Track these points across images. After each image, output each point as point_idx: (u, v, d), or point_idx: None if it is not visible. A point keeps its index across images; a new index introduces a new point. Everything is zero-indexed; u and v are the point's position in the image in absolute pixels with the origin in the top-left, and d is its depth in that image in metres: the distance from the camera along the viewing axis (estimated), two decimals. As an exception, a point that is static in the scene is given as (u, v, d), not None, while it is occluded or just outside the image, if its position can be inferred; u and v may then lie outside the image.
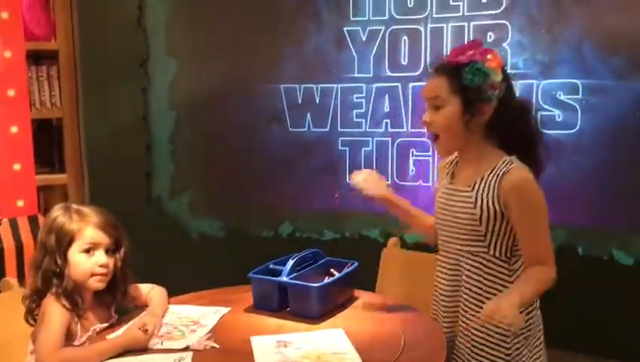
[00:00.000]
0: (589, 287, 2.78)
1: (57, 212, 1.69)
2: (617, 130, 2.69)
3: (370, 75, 3.06)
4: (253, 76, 3.24)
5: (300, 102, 3.19)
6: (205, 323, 1.76)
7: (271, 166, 3.30)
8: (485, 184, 1.56)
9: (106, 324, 1.74)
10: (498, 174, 1.54)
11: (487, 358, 1.64)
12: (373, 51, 3.04)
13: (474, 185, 1.58)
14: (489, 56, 1.56)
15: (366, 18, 3.03)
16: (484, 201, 1.56)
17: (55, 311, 1.60)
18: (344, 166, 3.16)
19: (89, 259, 1.67)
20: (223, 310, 1.86)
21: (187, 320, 1.78)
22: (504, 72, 1.59)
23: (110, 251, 1.72)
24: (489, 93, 1.55)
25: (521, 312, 1.43)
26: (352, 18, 3.05)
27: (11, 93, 3.02)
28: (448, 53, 1.67)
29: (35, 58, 3.42)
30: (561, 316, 2.78)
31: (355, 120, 3.13)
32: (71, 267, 1.65)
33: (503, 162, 1.56)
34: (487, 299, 1.60)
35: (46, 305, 1.61)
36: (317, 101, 3.16)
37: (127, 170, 3.36)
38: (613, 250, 2.81)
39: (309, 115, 3.19)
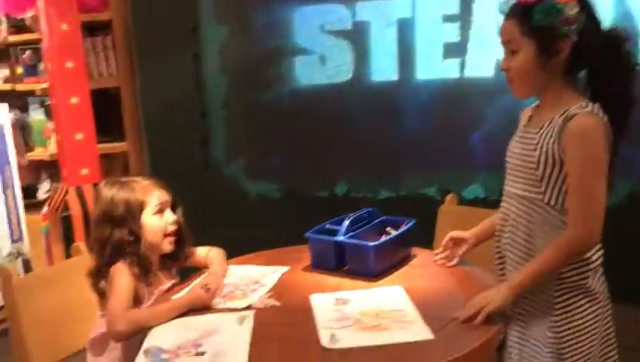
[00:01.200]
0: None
1: (111, 188, 1.76)
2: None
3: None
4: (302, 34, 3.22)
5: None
6: (265, 282, 1.80)
7: (325, 126, 3.29)
8: (551, 127, 1.45)
9: (168, 285, 1.80)
10: (567, 117, 1.42)
11: (537, 309, 1.53)
12: None
13: (541, 127, 1.48)
14: None
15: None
16: (546, 144, 1.45)
17: (124, 278, 1.66)
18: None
19: (161, 219, 1.75)
20: (282, 269, 1.90)
21: (248, 279, 1.83)
22: (585, 6, 1.43)
23: (174, 211, 1.80)
24: (564, 29, 1.41)
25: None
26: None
27: (69, 65, 3.11)
28: None
29: (90, 29, 3.50)
30: (632, 269, 2.71)
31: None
32: (146, 231, 1.72)
33: (578, 106, 1.42)
34: (536, 248, 1.50)
35: (114, 272, 1.68)
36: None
37: (183, 136, 3.43)
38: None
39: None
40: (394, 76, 3.12)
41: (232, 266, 1.95)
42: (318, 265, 1.90)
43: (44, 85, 3.47)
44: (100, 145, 3.43)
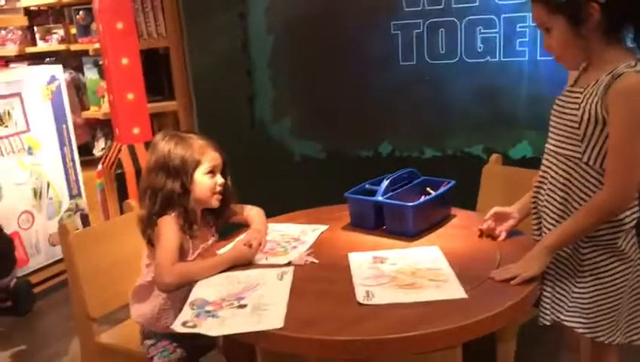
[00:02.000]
0: None
1: (169, 141, 1.83)
2: None
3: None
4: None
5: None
6: (305, 239, 1.86)
7: (369, 85, 3.28)
8: (597, 86, 1.44)
9: (211, 241, 1.88)
10: (613, 76, 1.40)
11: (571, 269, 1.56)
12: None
13: (587, 87, 1.47)
14: None
15: None
16: (589, 102, 1.44)
17: (171, 230, 1.75)
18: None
19: (212, 179, 1.83)
20: (322, 227, 1.95)
21: (288, 237, 1.89)
22: None
23: (222, 172, 1.87)
24: None
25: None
26: None
27: (120, 26, 3.18)
28: None
29: (140, -10, 3.56)
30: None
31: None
32: (197, 187, 1.81)
33: (627, 65, 1.40)
34: (573, 207, 1.52)
35: (162, 225, 1.76)
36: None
37: (230, 96, 3.48)
38: None
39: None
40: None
41: (272, 224, 2.02)
42: (358, 224, 1.94)
43: (97, 45, 3.58)
44: (151, 105, 3.54)
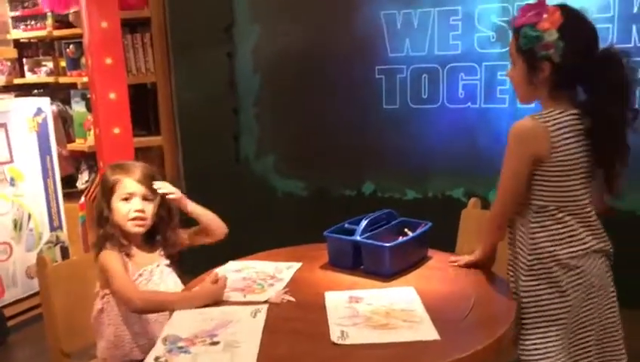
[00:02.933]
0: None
1: (107, 168, 1.95)
2: None
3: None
4: (332, 41, 3.27)
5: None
6: (281, 277, 1.86)
7: (353, 126, 3.34)
8: None
9: (159, 265, 1.91)
10: None
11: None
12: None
13: None
14: (544, 16, 1.56)
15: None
16: None
17: (111, 258, 1.79)
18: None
19: (126, 206, 1.86)
20: (296, 265, 1.96)
21: (263, 274, 1.90)
22: (564, 28, 1.55)
23: (149, 200, 1.89)
24: (542, 53, 1.57)
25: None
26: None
27: (109, 61, 3.23)
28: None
29: (131, 26, 3.62)
30: None
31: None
32: (114, 212, 1.86)
33: (541, 113, 1.61)
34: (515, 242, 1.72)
35: (102, 259, 1.80)
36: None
37: (216, 132, 3.53)
38: None
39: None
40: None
41: (248, 261, 2.03)
42: (336, 263, 1.95)
43: (86, 79, 3.61)
44: (137, 139, 3.56)
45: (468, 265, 1.88)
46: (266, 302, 1.69)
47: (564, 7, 1.58)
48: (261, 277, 1.88)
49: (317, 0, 3.27)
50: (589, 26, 1.59)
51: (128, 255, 1.86)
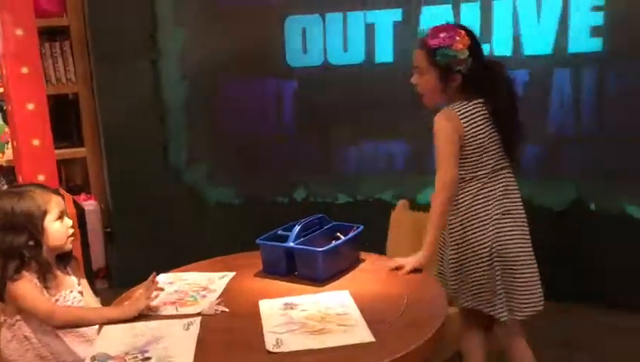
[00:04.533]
0: (602, 241, 2.80)
1: (10, 199, 1.78)
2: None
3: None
4: (261, 42, 3.26)
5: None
6: (214, 288, 1.83)
7: (285, 131, 3.33)
8: None
9: (76, 288, 1.85)
10: None
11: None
12: None
13: None
14: (457, 39, 1.92)
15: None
16: None
17: (29, 288, 1.71)
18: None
19: (63, 224, 1.81)
20: (229, 274, 1.93)
21: (196, 286, 1.86)
22: (471, 47, 1.93)
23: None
24: (457, 68, 1.94)
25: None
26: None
27: (25, 70, 3.07)
28: (428, 31, 2.01)
29: (50, 34, 3.48)
30: (575, 270, 2.82)
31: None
32: (50, 235, 1.77)
33: (453, 105, 1.97)
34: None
35: (17, 289, 1.71)
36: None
37: (143, 142, 3.43)
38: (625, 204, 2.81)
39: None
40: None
41: (180, 273, 1.98)
42: (270, 270, 1.94)
43: (1, 90, 3.44)
44: (58, 151, 3.41)
45: (415, 269, 1.87)
46: (199, 314, 1.66)
47: (467, 30, 1.97)
48: (193, 288, 1.84)
49: (243, 3, 3.24)
50: (480, 43, 2.00)
51: (47, 287, 1.76)
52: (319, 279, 1.83)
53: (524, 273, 1.98)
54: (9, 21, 3.02)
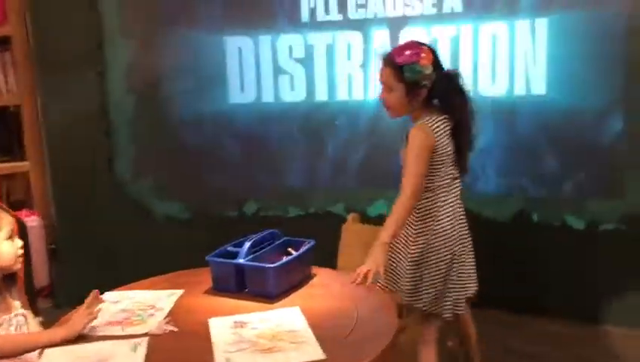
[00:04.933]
0: (545, 251, 2.89)
1: None
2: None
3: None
4: (209, 53, 3.24)
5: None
6: (162, 306, 1.79)
7: (232, 145, 3.31)
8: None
9: (20, 311, 1.77)
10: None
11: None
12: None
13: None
14: (423, 55, 2.06)
15: None
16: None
17: None
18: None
19: (13, 243, 1.74)
20: (178, 292, 1.90)
21: (143, 304, 1.81)
22: (434, 62, 2.07)
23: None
24: (423, 82, 2.07)
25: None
26: None
27: (-36, 82, 2.97)
28: (392, 49, 2.16)
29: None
30: (519, 279, 2.90)
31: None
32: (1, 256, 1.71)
33: (421, 120, 2.09)
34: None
35: None
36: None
37: (88, 155, 3.35)
38: (566, 215, 2.91)
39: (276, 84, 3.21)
40: (300, 97, 3.21)
41: (126, 291, 1.94)
42: (220, 287, 1.91)
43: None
44: (0, 165, 3.31)
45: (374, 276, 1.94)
46: (146, 334, 1.62)
47: (430, 47, 2.10)
48: (140, 307, 1.79)
49: (193, 16, 3.22)
50: (440, 58, 2.13)
51: None
52: (270, 296, 1.82)
53: (470, 271, 2.17)
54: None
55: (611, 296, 2.85)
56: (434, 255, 2.11)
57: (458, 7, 2.94)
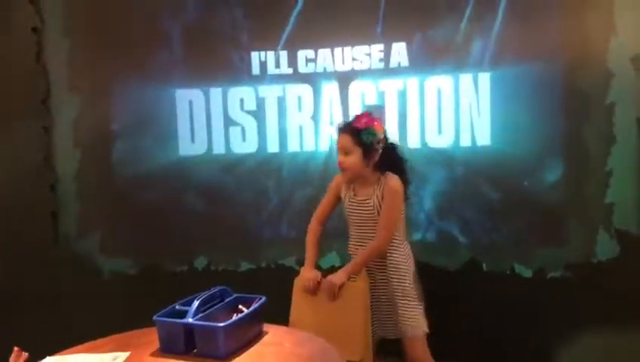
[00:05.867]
0: (493, 300, 2.92)
1: None
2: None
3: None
4: (159, 106, 3.23)
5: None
6: (106, 372, 1.72)
7: (182, 198, 3.26)
8: (376, 192, 2.47)
9: None
10: (383, 183, 2.46)
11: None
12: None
13: (372, 193, 2.48)
14: (375, 123, 2.43)
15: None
16: (377, 202, 2.46)
17: None
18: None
19: None
20: (123, 355, 1.83)
21: (86, 371, 1.73)
22: (384, 130, 2.47)
23: None
24: (378, 145, 2.43)
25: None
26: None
27: None
28: (351, 118, 2.52)
29: None
30: (470, 327, 2.91)
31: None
32: None
33: (385, 176, 2.47)
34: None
35: None
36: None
37: (31, 210, 3.25)
38: (514, 263, 2.96)
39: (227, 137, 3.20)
40: (252, 149, 3.21)
41: (68, 356, 1.85)
42: (168, 348, 1.85)
43: None
44: None
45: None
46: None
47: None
48: (82, 374, 1.72)
49: (143, 70, 3.20)
50: None
51: None
52: (220, 356, 1.77)
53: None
54: None
55: (562, 343, 2.89)
56: (409, 277, 2.48)
57: (405, 62, 3.03)
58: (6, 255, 3.26)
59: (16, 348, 1.60)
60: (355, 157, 2.42)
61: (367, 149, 2.41)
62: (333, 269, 2.98)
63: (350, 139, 2.42)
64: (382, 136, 2.44)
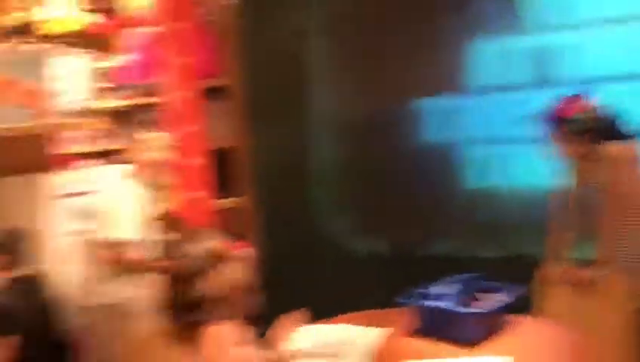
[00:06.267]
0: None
1: None
2: None
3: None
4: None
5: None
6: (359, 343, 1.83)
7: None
8: None
9: None
10: None
11: None
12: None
13: None
14: None
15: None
16: None
17: None
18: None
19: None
20: (374, 331, 1.93)
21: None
22: None
23: None
24: None
25: None
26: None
27: (190, 129, 3.32)
28: None
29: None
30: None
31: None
32: None
33: None
34: None
35: None
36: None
37: (293, 193, 3.53)
38: None
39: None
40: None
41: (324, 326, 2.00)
42: (425, 331, 1.92)
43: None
44: (220, 201, 3.59)
45: None
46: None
47: None
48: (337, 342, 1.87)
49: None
50: None
51: None
52: (471, 342, 1.79)
53: None
54: (174, 83, 3.31)
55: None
56: None
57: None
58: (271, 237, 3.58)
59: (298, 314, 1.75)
60: None
61: None
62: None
63: None
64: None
